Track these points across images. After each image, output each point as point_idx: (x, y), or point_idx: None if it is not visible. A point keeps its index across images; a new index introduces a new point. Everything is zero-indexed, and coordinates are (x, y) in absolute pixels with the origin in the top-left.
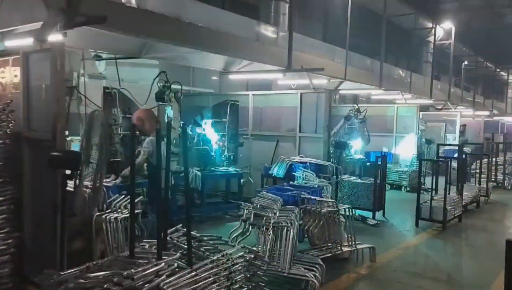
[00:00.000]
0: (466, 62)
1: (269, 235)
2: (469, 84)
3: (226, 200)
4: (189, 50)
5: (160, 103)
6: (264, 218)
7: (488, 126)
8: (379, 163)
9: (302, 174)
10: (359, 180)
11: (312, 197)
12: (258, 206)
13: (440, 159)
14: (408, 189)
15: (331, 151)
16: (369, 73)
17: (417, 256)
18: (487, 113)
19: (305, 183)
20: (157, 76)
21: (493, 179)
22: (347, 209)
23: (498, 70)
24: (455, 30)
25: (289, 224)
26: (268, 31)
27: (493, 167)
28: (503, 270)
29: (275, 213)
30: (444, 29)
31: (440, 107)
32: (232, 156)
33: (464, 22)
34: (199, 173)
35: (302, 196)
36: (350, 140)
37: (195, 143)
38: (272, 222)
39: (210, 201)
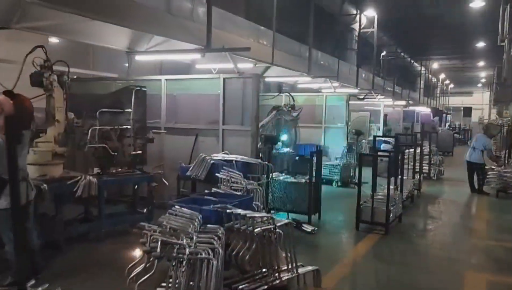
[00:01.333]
0: (384, 52)
1: (183, 271)
2: (387, 74)
3: (133, 209)
4: (79, 19)
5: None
6: (176, 247)
7: (406, 115)
8: (313, 159)
9: (227, 176)
10: (292, 179)
11: (241, 211)
12: (168, 229)
13: (379, 152)
14: (339, 184)
15: (260, 146)
16: (298, 59)
17: (368, 274)
18: (404, 102)
19: (231, 186)
20: (30, 52)
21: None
22: (286, 224)
23: (413, 61)
24: (378, 19)
25: (211, 255)
26: (183, 2)
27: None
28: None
29: (191, 238)
30: (367, 17)
31: (362, 97)
32: (138, 155)
33: (386, 10)
34: (93, 179)
35: (228, 210)
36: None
37: (88, 140)
38: (187, 252)
39: (111, 213)
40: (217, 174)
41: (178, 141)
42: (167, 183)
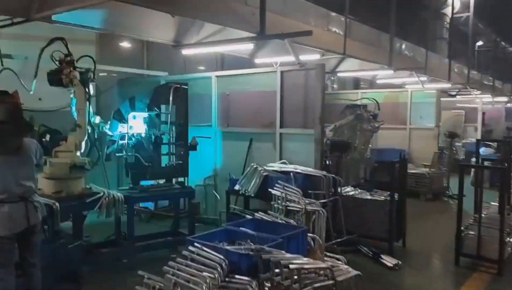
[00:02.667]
0: (481, 42)
1: None
2: (484, 67)
3: (174, 229)
4: (113, 4)
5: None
6: None
7: (509, 113)
8: (396, 167)
9: (282, 192)
10: (368, 196)
11: (285, 258)
12: (180, 278)
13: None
14: (428, 197)
15: (327, 154)
16: (376, 49)
17: None
18: (505, 99)
19: (286, 206)
20: (47, 45)
21: None
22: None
23: None
24: (474, 1)
25: None
26: None
27: None
28: None
29: None
30: (461, 0)
31: (454, 93)
32: (179, 164)
33: None
34: (119, 194)
35: (263, 256)
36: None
37: (117, 147)
38: None
39: (149, 234)
40: (270, 190)
41: (232, 146)
42: (218, 197)
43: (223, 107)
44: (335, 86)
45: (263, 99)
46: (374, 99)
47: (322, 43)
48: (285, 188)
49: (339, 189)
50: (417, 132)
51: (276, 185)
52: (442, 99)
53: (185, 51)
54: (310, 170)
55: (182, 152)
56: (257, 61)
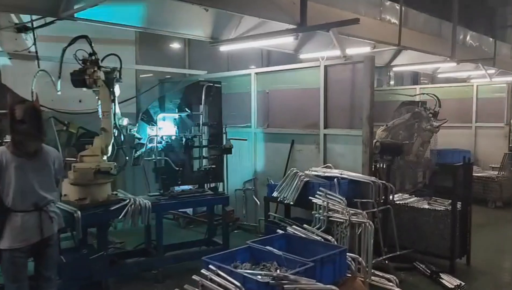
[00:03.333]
0: None
1: None
2: None
3: (208, 239)
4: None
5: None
6: None
7: None
8: (459, 171)
9: (324, 201)
10: (425, 205)
11: (314, 286)
12: None
13: None
14: (497, 204)
15: (377, 158)
16: (436, 39)
17: None
18: None
19: (328, 217)
20: (69, 44)
21: None
22: None
23: None
24: None
25: None
26: None
27: None
28: None
29: None
30: None
31: None
32: (212, 169)
33: None
34: (146, 201)
35: (286, 287)
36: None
37: (145, 151)
38: None
39: (181, 242)
40: (310, 198)
41: (272, 149)
42: (258, 202)
43: (263, 106)
44: (391, 82)
45: (305, 97)
46: (435, 95)
47: (373, 33)
48: (327, 196)
49: (390, 197)
50: (484, 131)
51: (318, 192)
52: None
53: (223, 48)
54: (357, 175)
55: (215, 156)
56: (303, 56)
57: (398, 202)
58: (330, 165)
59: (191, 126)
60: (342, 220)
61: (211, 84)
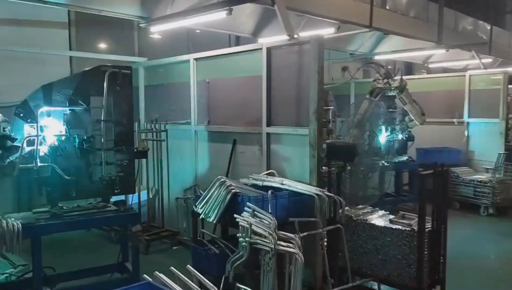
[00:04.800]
0: None
1: None
2: None
3: (122, 264)
4: None
5: None
6: None
7: None
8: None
9: (248, 221)
10: (386, 222)
11: None
12: None
13: None
14: (490, 211)
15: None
16: (420, 22)
17: None
18: None
19: (254, 243)
20: None
21: None
22: None
23: None
24: None
25: None
26: None
27: None
28: None
29: None
30: None
31: None
32: (121, 177)
33: None
34: (16, 223)
35: None
36: (388, 132)
37: (21, 156)
38: None
39: (83, 270)
40: (236, 216)
41: (214, 150)
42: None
43: (203, 98)
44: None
45: (247, 87)
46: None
47: (337, 11)
48: (256, 213)
49: (349, 212)
50: (478, 127)
51: (245, 209)
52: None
53: (155, 28)
54: (299, 186)
55: (124, 161)
56: (262, 40)
57: (355, 218)
58: (273, 171)
59: (89, 123)
60: (267, 248)
61: (117, 70)
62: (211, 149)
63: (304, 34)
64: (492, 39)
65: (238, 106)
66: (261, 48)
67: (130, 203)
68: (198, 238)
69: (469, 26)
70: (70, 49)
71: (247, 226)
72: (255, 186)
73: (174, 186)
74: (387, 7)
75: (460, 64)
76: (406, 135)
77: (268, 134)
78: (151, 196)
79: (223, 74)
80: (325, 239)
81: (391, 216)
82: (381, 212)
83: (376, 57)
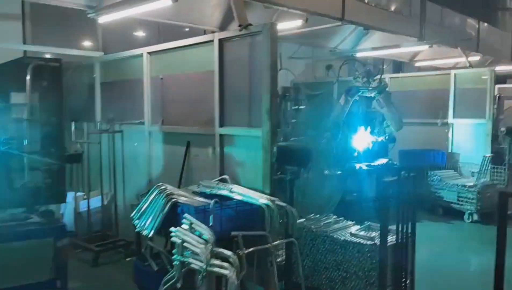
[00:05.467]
0: None
1: None
2: None
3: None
4: None
5: None
6: None
7: None
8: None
9: (180, 237)
10: (347, 235)
11: None
12: None
13: None
14: (475, 218)
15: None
16: (401, 17)
17: None
18: None
19: (181, 261)
20: None
21: None
22: None
23: None
24: None
25: None
26: None
27: None
28: None
29: None
30: None
31: None
32: (49, 185)
33: None
34: None
35: None
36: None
37: None
38: None
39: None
40: (171, 229)
41: (169, 153)
42: None
43: (157, 96)
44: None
45: (200, 84)
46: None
47: (303, 2)
48: (194, 227)
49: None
50: (463, 128)
51: (184, 221)
52: (504, 86)
53: (103, 19)
54: (249, 194)
55: (53, 166)
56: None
57: (315, 229)
58: (226, 177)
59: (9, 123)
60: (198, 268)
61: (42, 63)
62: (165, 152)
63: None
64: (483, 37)
65: (192, 104)
66: (212, 40)
67: (62, 213)
68: (142, 251)
69: (456, 22)
70: (24, 43)
71: (179, 242)
72: (203, 194)
73: (130, 191)
74: (366, 1)
75: (449, 62)
76: (387, 137)
77: (221, 135)
78: (105, 202)
79: (176, 70)
80: (280, 254)
81: (356, 227)
82: (346, 223)
83: (358, 54)
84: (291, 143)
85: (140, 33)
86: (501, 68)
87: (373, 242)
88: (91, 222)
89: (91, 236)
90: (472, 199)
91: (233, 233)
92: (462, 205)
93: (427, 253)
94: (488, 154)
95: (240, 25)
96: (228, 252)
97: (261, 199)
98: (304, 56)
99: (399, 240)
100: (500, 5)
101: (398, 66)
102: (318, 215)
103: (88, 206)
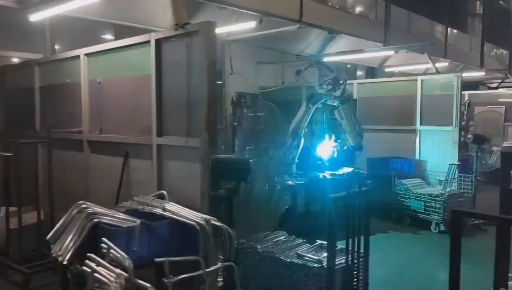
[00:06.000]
0: None
1: None
2: None
3: None
4: None
5: None
6: None
7: None
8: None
9: (91, 266)
10: (294, 257)
11: None
12: None
13: None
14: (442, 228)
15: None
16: (365, 20)
17: None
18: None
19: None
20: None
21: None
22: None
23: None
24: None
25: None
26: None
27: None
28: None
29: None
30: None
31: (495, 85)
32: None
33: None
34: None
35: None
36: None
37: None
38: None
39: None
40: (89, 255)
41: (106, 164)
42: None
43: (95, 102)
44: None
45: (138, 88)
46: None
47: (258, 2)
48: (111, 253)
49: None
50: (431, 136)
51: (102, 245)
52: (474, 92)
53: (34, 17)
54: (184, 212)
55: None
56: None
57: (260, 250)
58: (163, 193)
59: None
60: None
61: None
62: (104, 163)
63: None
64: (451, 43)
65: (130, 111)
66: (149, 41)
67: None
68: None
69: (424, 27)
70: None
71: (88, 271)
72: (134, 212)
73: (69, 206)
74: (329, 4)
75: (419, 68)
76: (351, 146)
77: (158, 146)
78: (42, 217)
79: (115, 73)
80: (221, 279)
81: (306, 247)
82: (296, 241)
83: (325, 59)
84: (229, 156)
85: (96, 35)
86: (471, 74)
87: (320, 265)
88: (24, 239)
89: (25, 256)
90: (439, 208)
91: (157, 259)
92: (429, 215)
93: (390, 266)
94: (455, 162)
95: (176, 24)
96: (146, 284)
97: (195, 219)
98: (275, 60)
99: (349, 262)
100: (470, 11)
101: (372, 72)
102: (267, 233)
103: (20, 222)
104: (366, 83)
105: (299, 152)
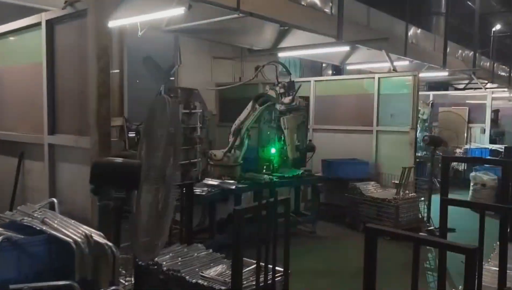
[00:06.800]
0: (499, 26)
1: None
2: (501, 57)
3: None
4: None
5: None
6: None
7: None
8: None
9: None
10: (197, 278)
11: None
12: None
13: None
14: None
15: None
16: (318, 14)
17: None
18: None
19: None
20: None
21: None
22: None
23: None
24: None
25: None
26: None
27: None
28: None
29: None
30: None
31: (462, 86)
32: None
33: None
34: None
35: None
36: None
37: None
38: None
39: None
40: None
41: (2, 166)
42: None
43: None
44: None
45: (31, 78)
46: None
47: None
48: None
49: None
50: (387, 136)
51: None
52: (439, 93)
53: None
54: (63, 226)
55: None
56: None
57: (165, 268)
58: (53, 201)
59: None
60: None
61: None
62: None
63: None
64: (412, 40)
65: (25, 105)
66: (40, 22)
67: None
68: None
69: (385, 24)
70: None
71: None
72: (13, 224)
73: None
74: None
75: (382, 66)
76: (303, 146)
77: (50, 145)
78: None
79: (8, 61)
80: None
81: (223, 262)
82: (213, 256)
83: (280, 54)
84: (116, 159)
85: None
86: (434, 74)
87: (226, 287)
88: None
89: None
90: (392, 214)
91: (12, 286)
92: (381, 220)
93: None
94: (410, 165)
95: (66, 1)
96: None
97: (74, 235)
98: (233, 56)
99: (261, 283)
100: (434, 9)
101: (339, 70)
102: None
103: None
104: (323, 80)
105: (242, 153)
